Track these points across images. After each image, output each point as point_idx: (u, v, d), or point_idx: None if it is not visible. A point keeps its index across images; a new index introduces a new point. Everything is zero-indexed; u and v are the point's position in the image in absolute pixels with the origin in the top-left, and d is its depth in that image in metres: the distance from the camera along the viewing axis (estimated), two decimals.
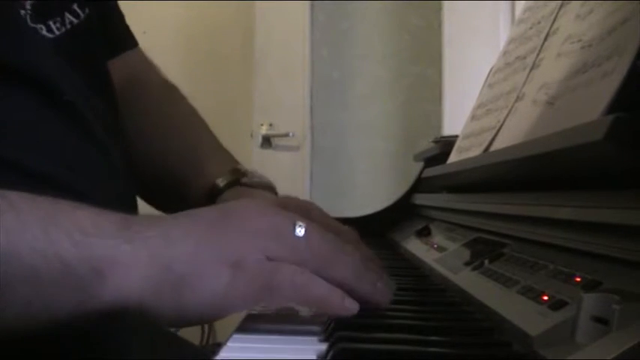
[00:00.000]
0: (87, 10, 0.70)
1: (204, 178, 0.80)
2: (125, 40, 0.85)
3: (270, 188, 0.83)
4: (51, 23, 0.65)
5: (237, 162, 0.84)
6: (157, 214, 0.54)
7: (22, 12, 0.62)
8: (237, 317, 0.55)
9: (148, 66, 0.92)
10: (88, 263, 0.42)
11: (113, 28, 0.80)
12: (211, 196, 0.78)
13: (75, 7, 0.68)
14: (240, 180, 0.79)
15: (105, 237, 0.43)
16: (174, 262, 0.44)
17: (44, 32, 0.65)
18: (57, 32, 0.66)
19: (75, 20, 0.68)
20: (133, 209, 0.73)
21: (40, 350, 0.54)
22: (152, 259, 0.44)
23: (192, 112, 0.90)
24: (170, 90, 0.93)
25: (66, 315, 0.42)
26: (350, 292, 0.48)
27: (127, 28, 0.86)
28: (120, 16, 0.84)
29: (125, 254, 0.43)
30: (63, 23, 0.67)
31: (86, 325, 0.43)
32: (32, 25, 0.62)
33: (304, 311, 0.53)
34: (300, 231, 0.48)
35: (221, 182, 0.78)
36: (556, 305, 0.42)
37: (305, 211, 0.55)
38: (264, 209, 0.50)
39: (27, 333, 0.43)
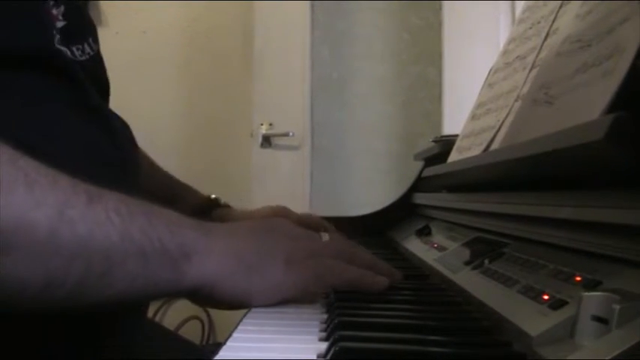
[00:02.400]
0: (96, 47, 0.74)
1: (192, 196, 0.97)
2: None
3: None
4: (74, 49, 0.69)
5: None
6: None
7: (54, 31, 0.65)
8: (237, 317, 0.55)
9: None
10: (180, 247, 0.51)
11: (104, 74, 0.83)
12: (202, 211, 0.93)
13: (91, 40, 0.73)
14: (219, 202, 0.98)
15: (190, 229, 0.54)
16: (243, 254, 0.55)
17: (68, 55, 0.68)
18: (79, 58, 0.69)
19: (91, 52, 0.72)
20: None
21: (55, 348, 0.56)
22: (225, 249, 0.54)
23: (148, 156, 1.01)
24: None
25: (159, 289, 0.51)
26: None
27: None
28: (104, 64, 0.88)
29: (204, 244, 0.53)
30: (83, 51, 0.70)
31: (173, 298, 0.51)
32: (58, 46, 0.66)
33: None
34: (325, 237, 0.65)
35: (216, 199, 0.97)
36: (556, 305, 0.42)
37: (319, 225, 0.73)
38: (292, 224, 0.65)
39: (128, 304, 0.52)
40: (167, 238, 0.51)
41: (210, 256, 0.53)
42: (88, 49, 0.71)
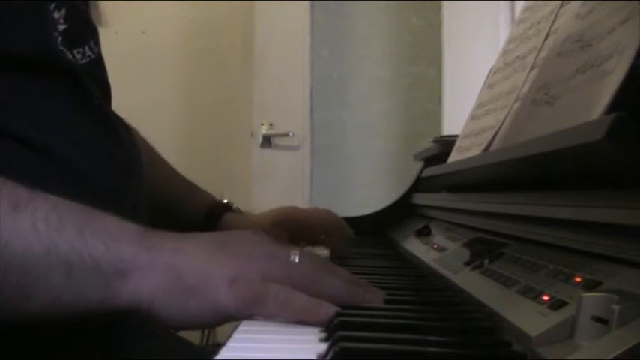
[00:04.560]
0: (97, 51, 0.74)
1: (200, 201, 0.95)
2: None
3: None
4: (75, 52, 0.68)
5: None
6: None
7: (55, 34, 0.65)
8: None
9: None
10: (114, 264, 0.49)
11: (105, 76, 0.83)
12: (211, 217, 0.93)
13: (92, 44, 0.72)
14: (231, 207, 0.96)
15: (130, 244, 0.50)
16: (185, 272, 0.51)
17: (70, 58, 0.68)
18: (80, 62, 0.69)
19: (92, 55, 0.72)
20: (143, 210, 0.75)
21: (54, 349, 0.56)
22: (167, 267, 0.51)
23: (161, 157, 1.00)
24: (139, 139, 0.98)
25: (89, 308, 0.48)
26: (340, 304, 0.54)
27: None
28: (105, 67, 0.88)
29: (144, 261, 0.50)
30: (84, 55, 0.70)
31: (104, 320, 0.50)
32: (61, 48, 0.65)
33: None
34: (294, 257, 0.56)
35: (225, 202, 0.96)
36: (556, 305, 0.42)
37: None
38: (260, 240, 0.58)
39: (55, 322, 0.48)
40: (99, 252, 0.48)
41: (148, 275, 0.50)
42: (89, 52, 0.71)
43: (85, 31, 0.72)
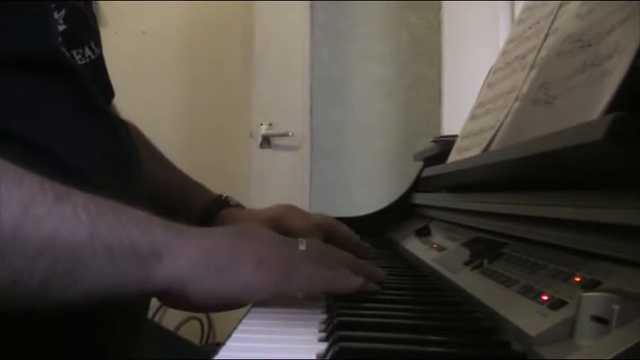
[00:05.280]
0: (99, 50, 0.74)
1: (198, 196, 0.96)
2: (112, 89, 0.88)
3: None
4: (74, 53, 0.69)
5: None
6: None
7: (56, 34, 0.65)
8: (237, 318, 0.55)
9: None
10: (150, 246, 0.51)
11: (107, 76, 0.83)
12: (209, 212, 0.94)
13: (92, 44, 0.72)
14: (229, 202, 0.97)
15: (162, 228, 0.53)
16: (215, 255, 0.55)
17: (69, 58, 0.67)
18: (80, 62, 0.69)
19: (92, 56, 0.72)
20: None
21: (54, 349, 0.56)
22: (198, 250, 0.54)
23: (161, 154, 1.01)
24: (136, 133, 0.98)
25: (128, 290, 0.51)
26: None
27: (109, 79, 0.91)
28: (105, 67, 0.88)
29: (176, 243, 0.53)
30: (84, 56, 0.70)
31: (142, 299, 0.54)
32: (62, 49, 0.65)
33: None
34: (302, 245, 0.63)
35: (226, 198, 0.96)
36: (556, 305, 0.42)
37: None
38: (273, 232, 0.65)
39: (97, 304, 0.50)
40: (137, 236, 0.50)
41: (182, 256, 0.53)
42: (89, 52, 0.71)
43: (85, 31, 0.72)
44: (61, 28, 0.67)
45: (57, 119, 0.62)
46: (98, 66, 0.75)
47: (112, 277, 0.49)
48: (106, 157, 0.66)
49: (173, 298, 0.53)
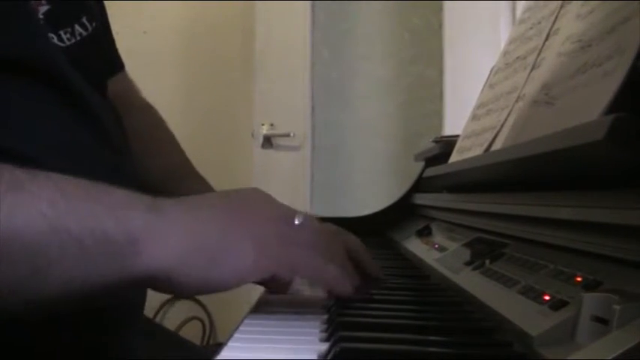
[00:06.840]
0: (94, 24, 0.71)
1: (193, 188, 0.90)
2: (117, 62, 0.86)
3: None
4: (62, 33, 0.66)
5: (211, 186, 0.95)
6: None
7: (36, 26, 0.62)
8: (238, 318, 0.55)
9: (131, 88, 0.96)
10: (126, 234, 0.47)
11: (109, 49, 0.81)
12: None
13: (84, 19, 0.69)
14: None
15: (140, 211, 0.48)
16: (207, 238, 0.50)
17: (55, 41, 0.65)
18: (67, 42, 0.66)
19: (84, 32, 0.69)
20: None
21: (53, 350, 0.56)
22: (186, 234, 0.49)
23: (170, 138, 1.00)
24: (150, 114, 0.97)
25: (106, 285, 0.47)
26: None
27: (117, 50, 0.88)
28: (112, 39, 0.85)
29: (157, 228, 0.48)
30: (73, 34, 0.67)
31: (122, 294, 0.48)
32: (50, 34, 0.63)
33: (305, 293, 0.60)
34: (299, 219, 0.57)
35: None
36: (556, 305, 0.42)
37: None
38: (270, 199, 0.59)
39: (73, 304, 0.47)
40: (111, 226, 0.46)
41: (165, 243, 0.48)
42: (79, 29, 0.68)
43: (73, 8, 0.68)
44: (44, 8, 0.64)
45: (39, 123, 0.59)
46: (94, 42, 0.71)
47: (85, 273, 0.46)
48: (94, 161, 0.63)
49: (159, 287, 0.50)
